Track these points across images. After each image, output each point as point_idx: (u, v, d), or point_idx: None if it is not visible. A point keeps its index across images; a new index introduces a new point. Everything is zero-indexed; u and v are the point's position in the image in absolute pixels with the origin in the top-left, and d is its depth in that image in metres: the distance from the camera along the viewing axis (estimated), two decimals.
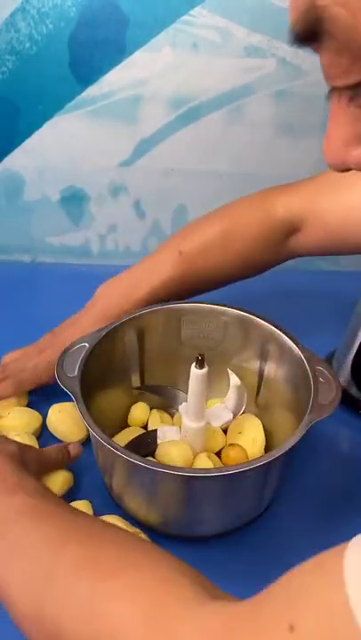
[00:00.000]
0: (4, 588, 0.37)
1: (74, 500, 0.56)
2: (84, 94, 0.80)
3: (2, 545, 0.38)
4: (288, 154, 0.85)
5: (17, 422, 0.61)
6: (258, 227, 0.63)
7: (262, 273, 0.67)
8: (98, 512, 0.55)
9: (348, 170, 0.34)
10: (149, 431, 0.60)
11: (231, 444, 0.58)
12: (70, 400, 0.50)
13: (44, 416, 0.63)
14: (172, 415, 0.63)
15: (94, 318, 0.62)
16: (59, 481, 0.55)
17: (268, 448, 0.59)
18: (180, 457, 0.54)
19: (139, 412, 0.62)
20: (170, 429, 0.59)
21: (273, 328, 0.58)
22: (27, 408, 0.64)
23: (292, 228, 0.63)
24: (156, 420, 0.61)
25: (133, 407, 0.63)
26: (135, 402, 0.63)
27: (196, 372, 0.51)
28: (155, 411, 0.62)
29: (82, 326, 0.61)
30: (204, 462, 0.55)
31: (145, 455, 0.56)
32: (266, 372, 0.60)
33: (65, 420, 0.61)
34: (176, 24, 0.75)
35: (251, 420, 0.60)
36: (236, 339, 0.61)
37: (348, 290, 0.71)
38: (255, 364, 0.61)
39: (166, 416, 0.62)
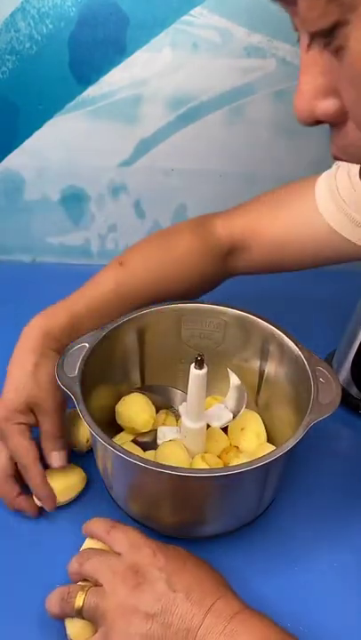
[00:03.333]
0: None
1: (75, 501, 0.56)
2: (84, 94, 0.80)
3: None
4: (288, 154, 0.85)
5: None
6: (196, 251, 0.63)
7: (204, 293, 0.67)
8: (97, 512, 0.55)
9: (316, 123, 0.34)
10: (149, 431, 0.60)
11: (234, 447, 0.58)
12: None
13: None
14: (176, 416, 0.63)
15: (36, 342, 0.56)
16: (76, 481, 0.56)
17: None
18: (175, 458, 0.54)
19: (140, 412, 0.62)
20: (169, 429, 0.59)
21: (273, 328, 0.58)
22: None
23: (232, 249, 0.64)
24: (159, 420, 0.61)
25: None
26: None
27: (195, 373, 0.51)
28: (161, 411, 0.62)
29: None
30: (199, 464, 0.55)
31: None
32: (266, 372, 0.60)
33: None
34: (176, 24, 0.75)
35: (251, 416, 0.60)
36: (236, 339, 0.61)
37: (349, 290, 0.71)
38: (255, 364, 0.61)
39: (171, 417, 0.62)
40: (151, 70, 0.78)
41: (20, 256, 0.96)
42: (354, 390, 0.67)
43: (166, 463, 0.49)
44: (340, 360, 0.68)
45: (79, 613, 0.43)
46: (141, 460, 0.45)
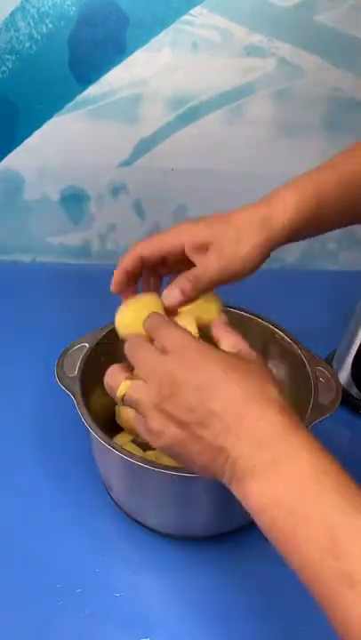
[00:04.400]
0: None
1: (74, 501, 0.56)
2: (84, 94, 0.80)
3: None
4: (288, 154, 0.85)
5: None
6: None
7: None
8: (97, 512, 0.55)
9: None
10: None
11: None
12: None
13: None
14: None
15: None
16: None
17: None
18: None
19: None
20: None
21: (273, 328, 0.58)
22: None
23: None
24: None
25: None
26: None
27: None
28: None
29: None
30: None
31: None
32: None
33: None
34: (176, 24, 0.75)
35: None
36: None
37: (348, 290, 0.71)
38: None
39: None
40: (151, 70, 0.78)
41: (20, 256, 0.96)
42: (354, 390, 0.67)
43: (166, 463, 0.49)
44: (340, 360, 0.68)
45: (122, 402, 0.43)
46: (141, 460, 0.45)
